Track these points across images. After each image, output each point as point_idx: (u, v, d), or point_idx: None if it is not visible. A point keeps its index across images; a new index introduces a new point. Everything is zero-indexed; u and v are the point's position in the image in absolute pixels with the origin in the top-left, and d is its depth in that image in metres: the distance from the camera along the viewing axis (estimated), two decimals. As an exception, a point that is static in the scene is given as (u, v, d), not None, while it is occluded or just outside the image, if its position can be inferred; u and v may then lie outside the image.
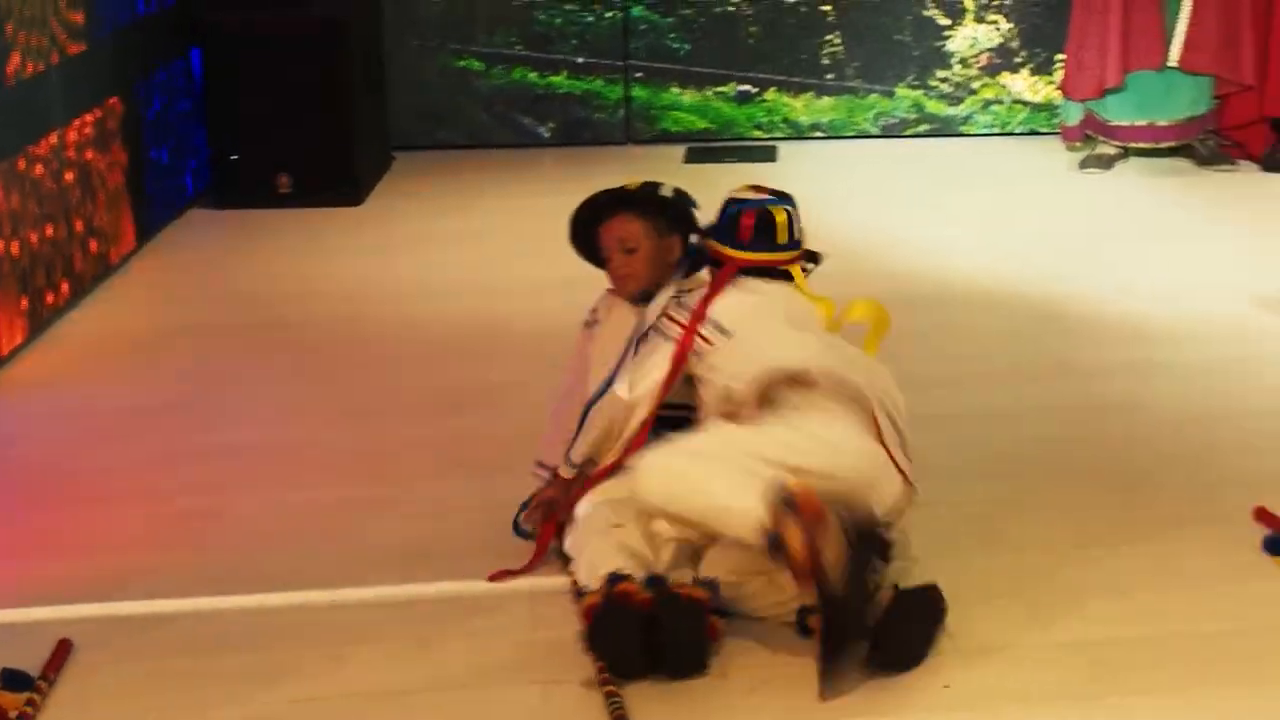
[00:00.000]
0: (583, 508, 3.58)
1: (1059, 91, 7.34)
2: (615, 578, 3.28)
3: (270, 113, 6.68)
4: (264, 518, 3.97)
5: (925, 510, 3.84)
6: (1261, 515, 3.80)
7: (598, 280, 3.91)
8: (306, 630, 3.43)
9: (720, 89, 7.72)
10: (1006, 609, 3.42)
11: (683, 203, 3.80)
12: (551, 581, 3.57)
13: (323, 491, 4.11)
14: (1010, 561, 3.66)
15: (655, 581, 3.29)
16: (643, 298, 3.76)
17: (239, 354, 5.22)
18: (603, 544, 3.41)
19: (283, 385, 4.87)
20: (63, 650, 3.31)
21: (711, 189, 3.88)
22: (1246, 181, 6.91)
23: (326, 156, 6.73)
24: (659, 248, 3.78)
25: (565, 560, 3.58)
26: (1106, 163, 7.07)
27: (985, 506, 3.93)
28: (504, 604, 3.52)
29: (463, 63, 7.65)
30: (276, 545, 3.83)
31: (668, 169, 7.18)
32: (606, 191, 3.79)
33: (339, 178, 6.77)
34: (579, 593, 3.40)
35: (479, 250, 6.16)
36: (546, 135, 7.73)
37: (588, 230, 3.82)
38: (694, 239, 3.77)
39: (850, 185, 7.00)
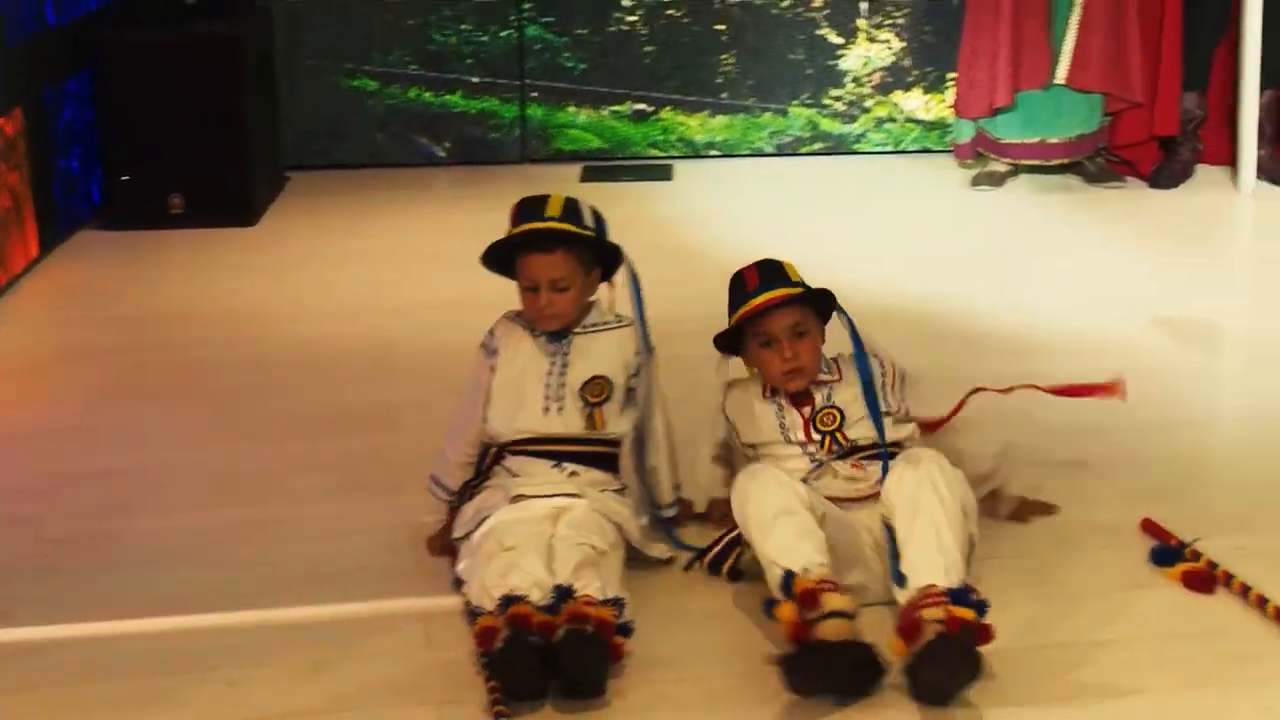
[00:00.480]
0: (479, 531, 3.58)
1: (951, 110, 7.43)
2: (509, 599, 3.29)
3: (162, 133, 6.63)
4: (156, 540, 3.94)
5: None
6: (1148, 527, 3.87)
7: (493, 301, 3.90)
8: (198, 654, 3.41)
9: (616, 108, 7.74)
10: (886, 621, 3.45)
11: (616, 248, 3.78)
12: (445, 602, 3.57)
13: (216, 513, 4.08)
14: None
15: (558, 595, 3.30)
16: (557, 333, 3.75)
17: (130, 376, 5.17)
18: (496, 566, 3.41)
19: (175, 407, 4.83)
20: (-51, 678, 3.27)
21: (608, 207, 3.89)
22: (1135, 199, 7.01)
23: (219, 177, 6.69)
24: (585, 286, 3.76)
25: (458, 583, 3.58)
26: (998, 180, 7.16)
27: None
28: (398, 625, 3.51)
29: (357, 82, 7.63)
30: (169, 568, 3.80)
31: (564, 188, 7.14)
32: (545, 229, 3.68)
33: (232, 198, 6.73)
34: (473, 614, 3.39)
35: (374, 270, 6.15)
36: (442, 154, 7.72)
37: (510, 253, 3.76)
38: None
39: (745, 203, 7.04)
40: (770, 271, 3.73)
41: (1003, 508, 3.94)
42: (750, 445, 3.74)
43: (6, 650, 3.44)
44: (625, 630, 3.31)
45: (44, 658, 3.41)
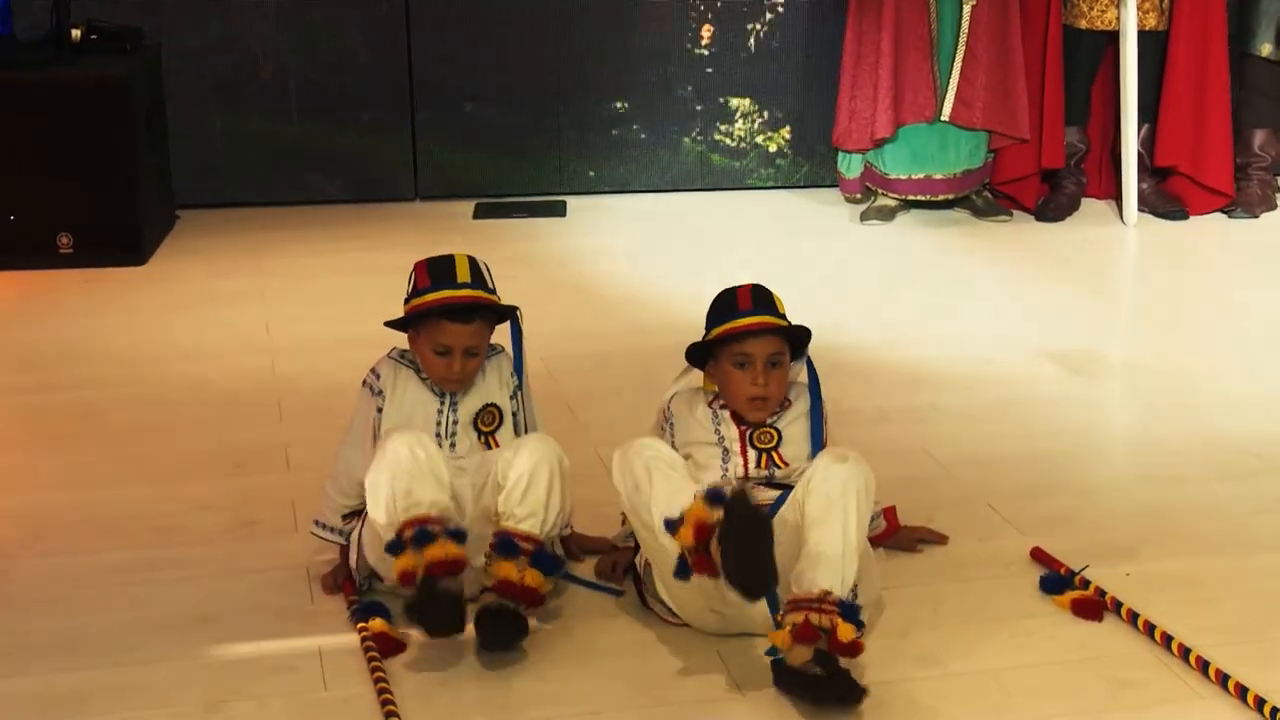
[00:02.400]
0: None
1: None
2: (424, 533, 3.46)
3: (50, 172, 6.57)
4: (44, 584, 3.89)
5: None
6: (1038, 555, 3.92)
7: (384, 340, 3.90)
8: (91, 698, 3.37)
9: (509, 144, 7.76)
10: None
11: (514, 312, 3.83)
12: (341, 640, 3.56)
13: (104, 555, 4.04)
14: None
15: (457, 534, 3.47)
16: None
17: (18, 417, 5.11)
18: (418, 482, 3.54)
19: (63, 448, 4.77)
20: None
21: (500, 244, 3.91)
22: (1021, 232, 7.12)
23: (108, 216, 6.63)
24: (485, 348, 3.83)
25: (355, 620, 3.58)
26: (887, 214, 7.24)
27: (771, 553, 3.98)
28: (294, 665, 3.49)
29: (248, 119, 7.59)
30: (57, 612, 3.75)
31: (456, 225, 7.21)
32: (465, 298, 3.71)
33: (121, 237, 6.67)
34: (375, 660, 3.43)
35: (265, 309, 6.11)
36: (334, 192, 7.69)
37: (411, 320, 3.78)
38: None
39: (638, 240, 7.07)
40: (763, 297, 3.79)
41: (892, 538, 3.99)
42: (682, 444, 3.75)
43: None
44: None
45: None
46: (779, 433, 3.73)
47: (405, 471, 3.52)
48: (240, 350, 5.62)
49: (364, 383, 3.82)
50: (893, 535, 3.98)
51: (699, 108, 7.78)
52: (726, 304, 3.80)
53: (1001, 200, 7.35)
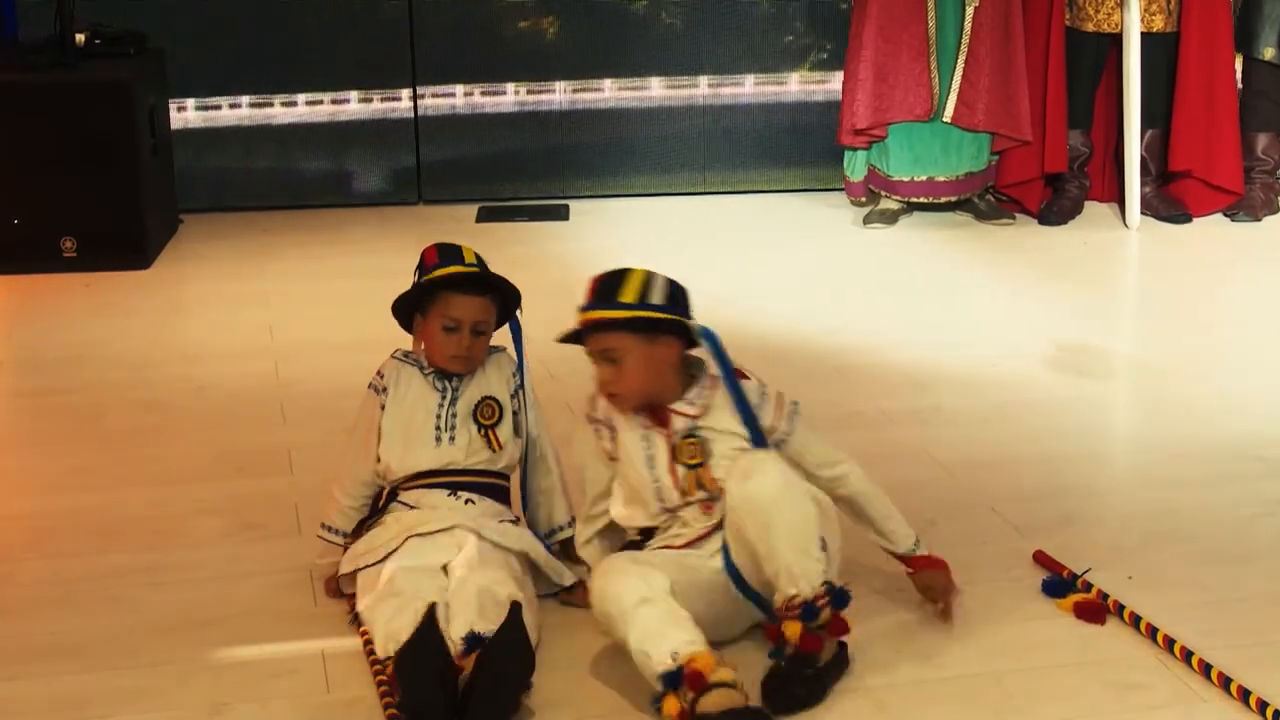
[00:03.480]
0: (381, 578, 3.58)
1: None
2: None
3: (54, 175, 6.58)
4: (46, 587, 3.90)
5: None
6: (1040, 559, 3.92)
7: (387, 343, 3.90)
8: (93, 701, 3.37)
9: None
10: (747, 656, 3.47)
11: (518, 298, 3.84)
12: (344, 644, 3.56)
13: (108, 559, 4.04)
14: (798, 609, 3.72)
15: (468, 644, 3.28)
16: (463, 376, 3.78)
17: (21, 420, 5.13)
18: (392, 614, 3.42)
19: (67, 451, 4.78)
20: None
21: (503, 247, 3.92)
22: (1025, 235, 7.12)
23: (112, 219, 6.64)
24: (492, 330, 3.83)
25: (357, 620, 3.58)
26: (890, 218, 7.24)
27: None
28: (296, 667, 3.49)
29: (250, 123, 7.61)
30: (60, 615, 3.75)
31: (460, 229, 7.21)
32: (477, 273, 3.73)
33: (125, 241, 6.68)
34: (376, 661, 3.40)
35: (268, 312, 6.11)
36: (336, 196, 7.70)
37: (421, 297, 3.77)
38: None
39: (642, 242, 7.07)
40: (604, 289, 3.62)
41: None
42: (614, 458, 3.68)
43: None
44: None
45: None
46: (703, 445, 3.55)
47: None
48: (243, 353, 5.63)
49: (369, 385, 3.83)
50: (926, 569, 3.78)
51: (704, 110, 7.79)
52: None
53: (1004, 203, 7.36)
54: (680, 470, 3.55)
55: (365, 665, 3.45)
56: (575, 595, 3.73)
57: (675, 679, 3.18)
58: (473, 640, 3.29)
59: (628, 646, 3.27)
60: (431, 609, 3.31)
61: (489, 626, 3.30)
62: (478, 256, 3.80)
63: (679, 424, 3.58)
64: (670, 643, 3.22)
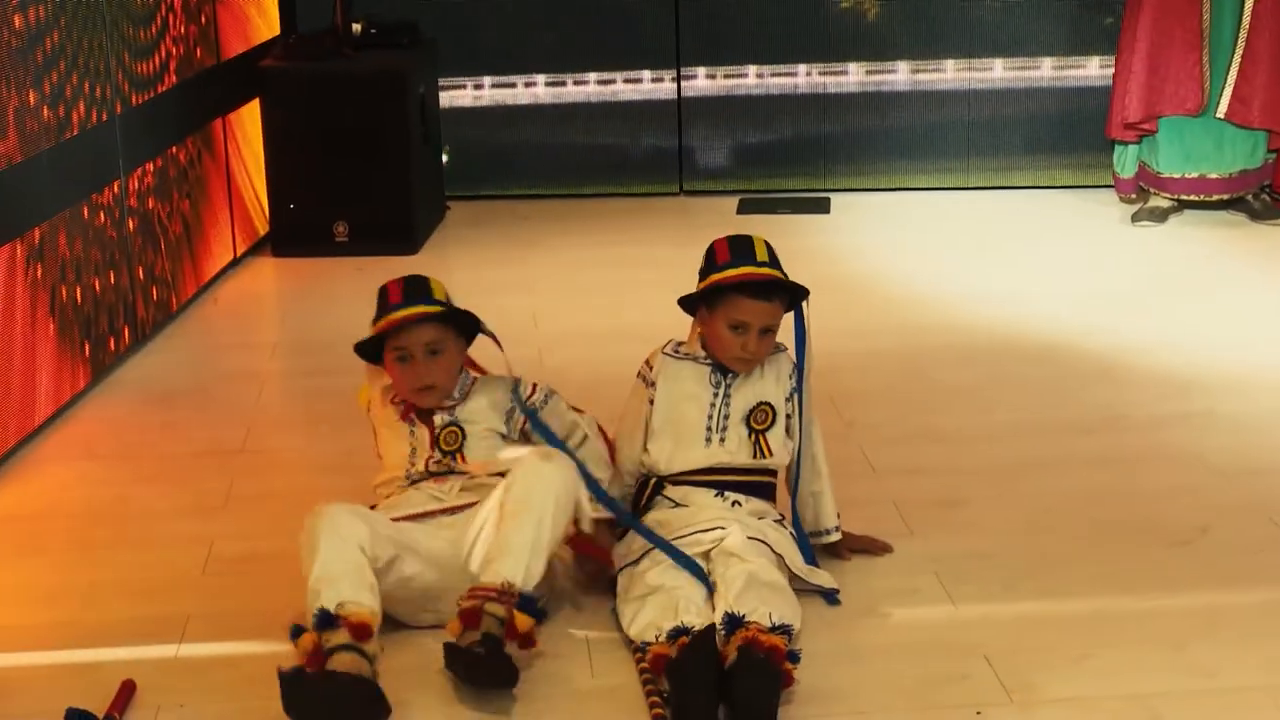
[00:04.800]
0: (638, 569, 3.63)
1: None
2: (679, 631, 3.35)
3: (328, 162, 6.75)
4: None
5: (980, 562, 3.89)
6: (1318, 572, 3.81)
7: (651, 330, 3.92)
8: (411, 671, 3.45)
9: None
10: (1061, 661, 3.43)
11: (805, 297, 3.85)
12: (608, 635, 3.59)
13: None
14: (1065, 613, 3.67)
15: (729, 623, 3.33)
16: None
17: (291, 401, 5.28)
18: (658, 603, 3.48)
19: (336, 432, 4.89)
20: (126, 691, 3.34)
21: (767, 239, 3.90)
22: (1299, 235, 6.92)
23: (383, 205, 6.80)
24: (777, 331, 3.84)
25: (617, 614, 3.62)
26: (1159, 216, 7.07)
27: (1039, 559, 3.93)
28: (562, 652, 3.53)
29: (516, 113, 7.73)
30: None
31: (722, 220, 7.23)
32: (767, 276, 3.73)
33: (395, 227, 6.83)
34: (638, 648, 3.43)
35: (531, 300, 6.20)
36: (599, 186, 7.78)
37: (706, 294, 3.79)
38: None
39: (903, 237, 7.02)
40: (414, 287, 3.80)
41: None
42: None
43: (180, 666, 3.52)
44: (794, 657, 3.32)
45: (215, 674, 3.48)
46: (461, 430, 3.76)
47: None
48: (509, 340, 5.65)
49: (639, 374, 3.86)
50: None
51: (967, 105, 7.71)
52: (382, 298, 3.83)
53: (1279, 201, 7.14)
54: (438, 454, 3.75)
55: (628, 654, 3.48)
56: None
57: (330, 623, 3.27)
58: (732, 621, 3.32)
59: (306, 572, 3.37)
60: (710, 627, 3.32)
61: (748, 609, 3.34)
62: (768, 248, 3.75)
63: (438, 420, 3.81)
64: (340, 595, 3.31)
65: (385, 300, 3.81)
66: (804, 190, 7.71)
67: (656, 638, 3.38)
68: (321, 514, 3.44)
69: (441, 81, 7.52)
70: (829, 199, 7.60)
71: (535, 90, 7.72)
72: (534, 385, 3.90)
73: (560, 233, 7.19)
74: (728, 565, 3.51)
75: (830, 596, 3.70)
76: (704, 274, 3.76)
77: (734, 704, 3.18)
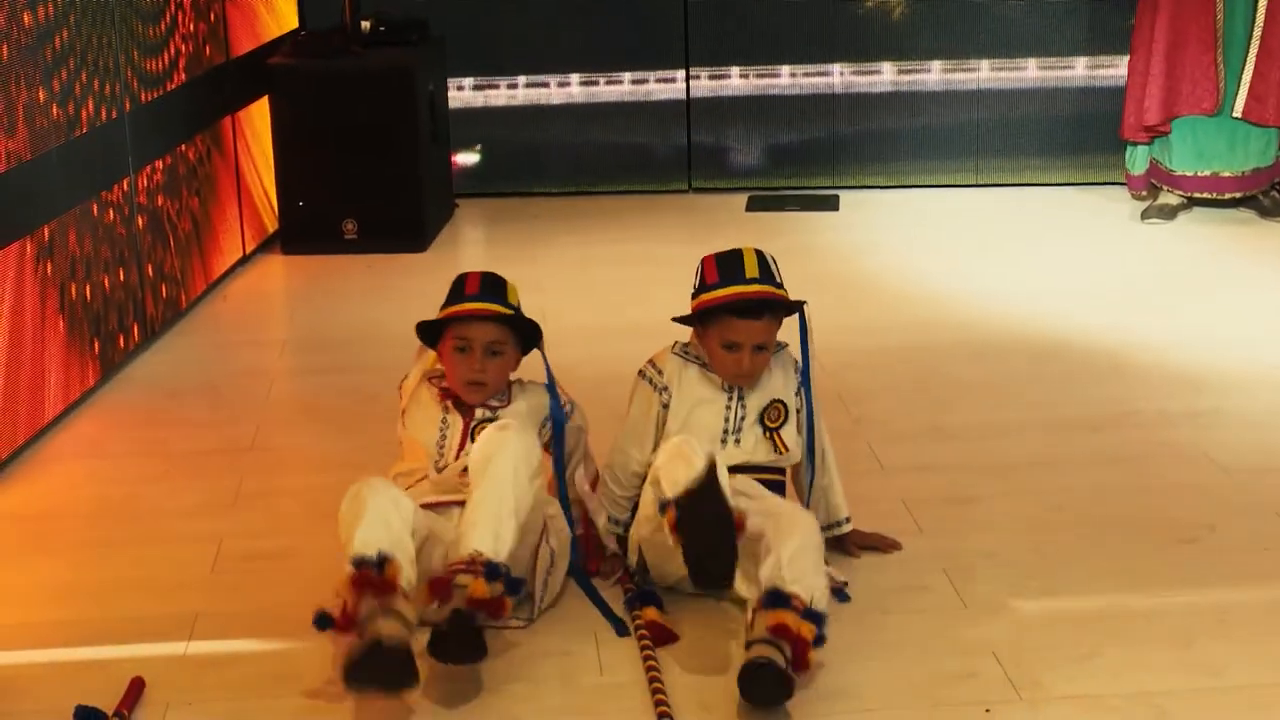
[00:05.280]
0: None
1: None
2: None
3: (337, 159, 6.76)
4: (330, 558, 4.00)
5: (988, 560, 3.89)
6: (1328, 568, 3.81)
7: (658, 331, 3.92)
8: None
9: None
10: (1069, 658, 3.43)
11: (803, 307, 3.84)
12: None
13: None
14: (1072, 610, 3.67)
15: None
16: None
17: (300, 398, 5.29)
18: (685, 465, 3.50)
19: (345, 429, 4.91)
20: (135, 688, 3.35)
21: (773, 237, 3.92)
22: (1311, 233, 6.91)
23: (392, 203, 6.80)
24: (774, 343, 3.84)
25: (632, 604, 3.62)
26: (1169, 213, 7.07)
27: (1047, 555, 3.93)
28: (570, 649, 3.53)
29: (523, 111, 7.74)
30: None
31: (731, 218, 7.24)
32: (756, 294, 3.70)
33: (404, 224, 6.84)
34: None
35: (540, 298, 6.17)
36: (606, 184, 7.78)
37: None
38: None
39: (912, 235, 7.02)
40: (492, 285, 3.82)
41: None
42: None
43: (189, 664, 3.53)
44: (820, 641, 3.34)
45: (224, 672, 3.49)
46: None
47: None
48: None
49: (641, 374, 3.85)
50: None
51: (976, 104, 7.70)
52: (457, 287, 3.86)
53: (1290, 199, 7.13)
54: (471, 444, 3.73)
55: (636, 651, 3.48)
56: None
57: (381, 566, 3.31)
58: (774, 598, 3.36)
59: (348, 533, 3.40)
60: (712, 462, 3.39)
61: (795, 576, 3.38)
62: (760, 260, 3.73)
63: (478, 413, 3.83)
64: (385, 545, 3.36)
65: (460, 289, 3.83)
66: (813, 187, 7.71)
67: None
68: (368, 484, 3.47)
69: (465, 80, 7.53)
70: (838, 196, 7.60)
71: (545, 90, 7.72)
72: (569, 399, 3.90)
73: (569, 230, 7.19)
74: (779, 522, 3.49)
75: (840, 593, 3.70)
76: (695, 293, 3.77)
77: (743, 695, 3.22)
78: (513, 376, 3.88)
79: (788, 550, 3.40)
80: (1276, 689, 3.32)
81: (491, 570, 3.37)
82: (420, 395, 3.85)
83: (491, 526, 3.42)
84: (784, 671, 3.23)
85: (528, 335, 3.84)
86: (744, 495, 3.60)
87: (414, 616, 3.33)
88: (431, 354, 3.89)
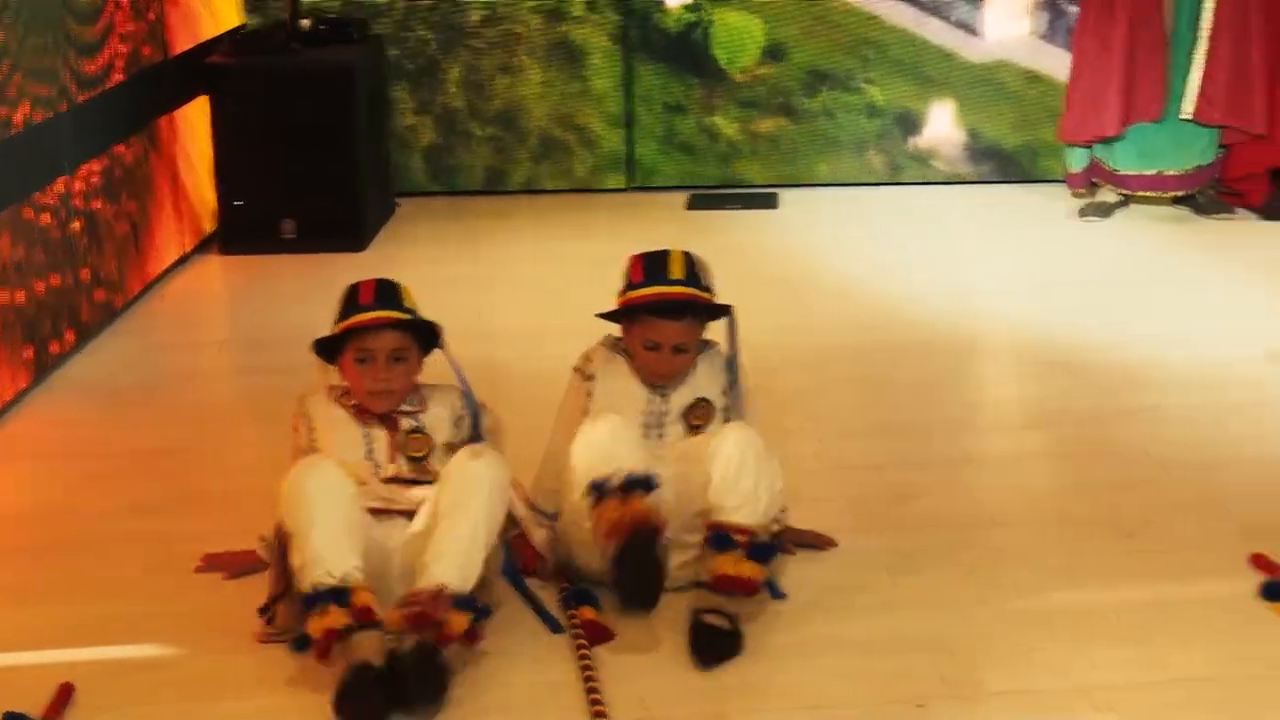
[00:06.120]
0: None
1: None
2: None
3: (275, 159, 6.72)
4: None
5: (929, 557, 3.89)
6: (1258, 562, 3.82)
7: (594, 329, 3.92)
8: (310, 672, 3.43)
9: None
10: (1007, 654, 3.44)
11: (727, 309, 3.84)
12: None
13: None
14: (1012, 607, 3.68)
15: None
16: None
17: (240, 399, 5.25)
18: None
19: (282, 429, 4.86)
20: (64, 694, 3.32)
21: (713, 236, 3.92)
22: (1246, 230, 6.95)
23: (330, 202, 6.77)
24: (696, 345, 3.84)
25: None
26: (1106, 210, 7.11)
27: (988, 552, 3.94)
28: (507, 649, 3.52)
29: (463, 108, 7.71)
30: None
31: (670, 216, 7.23)
32: (677, 296, 3.73)
33: (342, 224, 6.80)
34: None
35: (481, 296, 6.18)
36: (550, 182, 7.76)
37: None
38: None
39: (851, 233, 7.02)
40: (386, 291, 3.77)
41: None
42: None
43: (122, 668, 3.49)
44: (774, 592, 3.62)
45: (157, 676, 3.46)
46: (430, 440, 3.74)
47: (606, 457, 3.56)
48: (455, 336, 5.65)
49: (575, 368, 3.86)
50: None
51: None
52: (351, 298, 3.78)
53: (1226, 196, 7.17)
54: (403, 462, 3.74)
55: (573, 651, 3.48)
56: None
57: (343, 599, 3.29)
58: (718, 540, 3.56)
59: (302, 540, 3.36)
60: (655, 526, 3.49)
61: (736, 501, 3.55)
62: (687, 262, 3.75)
63: (404, 424, 3.80)
64: (344, 565, 3.34)
65: (354, 299, 3.77)
66: (753, 186, 7.70)
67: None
68: (314, 466, 3.48)
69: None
70: (776, 194, 7.60)
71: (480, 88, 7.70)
72: (480, 402, 3.88)
73: (509, 229, 7.17)
74: (707, 448, 3.59)
75: (774, 591, 3.70)
76: (621, 292, 3.78)
77: (693, 657, 3.41)
78: (419, 380, 3.84)
79: (718, 469, 3.53)
80: (1214, 682, 3.34)
81: (463, 602, 3.36)
82: (333, 415, 3.79)
83: (459, 560, 3.40)
84: (728, 632, 3.39)
85: (427, 337, 3.80)
86: (662, 460, 3.65)
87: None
88: (333, 369, 3.83)
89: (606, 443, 3.57)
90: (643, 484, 3.52)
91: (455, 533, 3.42)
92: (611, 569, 3.47)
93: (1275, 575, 3.74)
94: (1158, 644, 3.50)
